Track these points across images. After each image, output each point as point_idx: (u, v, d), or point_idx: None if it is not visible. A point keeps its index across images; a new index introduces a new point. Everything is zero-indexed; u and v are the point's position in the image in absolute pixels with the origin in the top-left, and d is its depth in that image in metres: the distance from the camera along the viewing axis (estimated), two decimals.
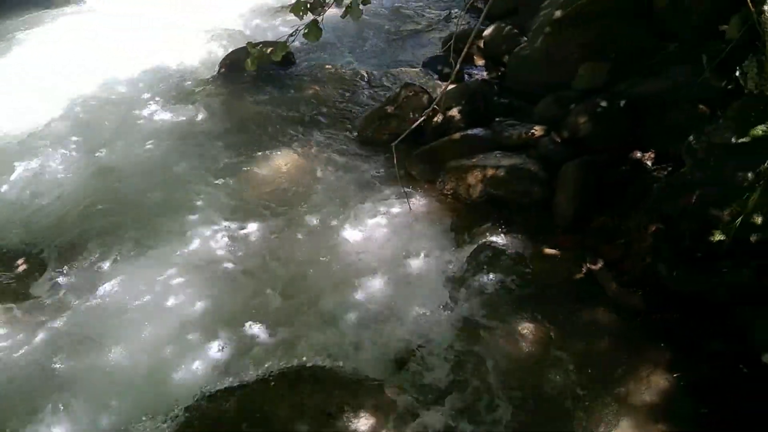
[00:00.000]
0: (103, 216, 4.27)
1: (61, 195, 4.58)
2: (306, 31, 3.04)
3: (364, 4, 2.92)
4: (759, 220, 2.72)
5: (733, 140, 2.81)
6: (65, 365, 3.20)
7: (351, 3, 2.86)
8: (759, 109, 2.80)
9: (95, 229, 4.14)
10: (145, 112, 5.64)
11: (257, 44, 6.08)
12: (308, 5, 3.02)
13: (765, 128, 2.71)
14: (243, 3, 8.18)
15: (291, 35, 3.21)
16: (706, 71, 3.88)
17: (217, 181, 4.59)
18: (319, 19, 3.04)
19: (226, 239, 4.03)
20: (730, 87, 3.66)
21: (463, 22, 7.32)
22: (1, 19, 7.95)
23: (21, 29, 7.66)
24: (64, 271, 3.86)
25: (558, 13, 5.53)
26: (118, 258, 3.91)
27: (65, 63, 6.57)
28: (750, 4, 3.29)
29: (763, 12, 2.93)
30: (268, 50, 3.17)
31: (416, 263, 3.74)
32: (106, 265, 3.87)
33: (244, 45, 6.57)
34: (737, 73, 3.08)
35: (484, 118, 5.09)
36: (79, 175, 4.77)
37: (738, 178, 2.75)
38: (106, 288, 3.68)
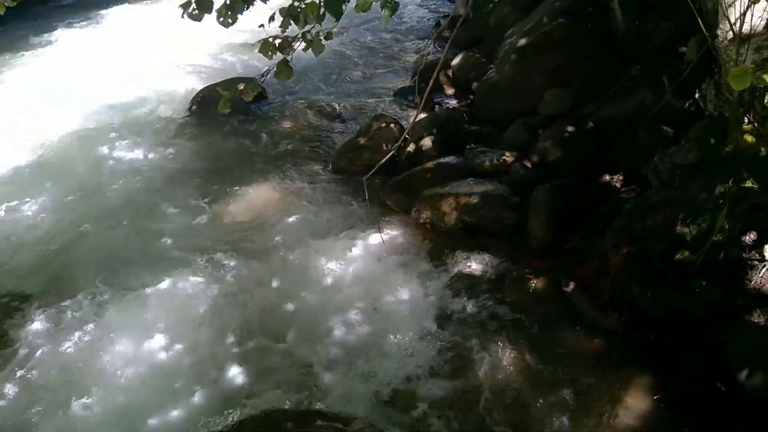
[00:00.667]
0: (72, 260, 4.20)
1: (29, 239, 4.50)
2: (276, 70, 3.08)
3: (327, 40, 2.95)
4: (727, 238, 2.78)
5: (697, 161, 2.88)
6: (36, 417, 3.10)
7: (313, 38, 2.89)
8: (719, 130, 2.88)
9: (62, 274, 4.07)
10: (116, 151, 5.59)
11: (231, 81, 6.12)
12: (276, 45, 3.06)
13: (726, 149, 2.78)
14: (216, 39, 8.22)
15: (262, 75, 3.24)
16: (668, 93, 3.99)
17: (189, 220, 4.55)
18: (289, 58, 3.08)
19: (199, 278, 3.97)
20: (691, 108, 3.77)
21: (430, 52, 7.46)
22: None
23: None
24: (34, 317, 3.76)
25: (522, 41, 5.67)
26: (88, 303, 3.82)
27: (30, 102, 6.52)
28: (703, 29, 3.42)
29: (716, 36, 3.03)
30: (240, 86, 3.19)
31: (394, 295, 3.72)
32: (75, 310, 3.78)
33: (217, 81, 6.65)
34: (697, 96, 3.17)
35: (456, 145, 5.15)
36: (47, 218, 4.69)
37: (703, 198, 2.81)
38: (76, 334, 3.59)
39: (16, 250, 4.43)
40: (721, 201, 2.76)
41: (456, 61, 6.48)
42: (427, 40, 7.97)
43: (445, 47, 7.14)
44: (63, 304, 3.83)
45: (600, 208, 3.85)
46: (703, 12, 3.55)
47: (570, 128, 4.44)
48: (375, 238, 4.16)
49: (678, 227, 2.84)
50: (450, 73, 6.52)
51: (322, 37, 2.88)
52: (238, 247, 4.23)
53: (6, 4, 3.08)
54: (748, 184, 2.78)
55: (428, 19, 9.31)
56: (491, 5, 7.41)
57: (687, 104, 3.71)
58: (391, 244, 4.14)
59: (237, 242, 4.30)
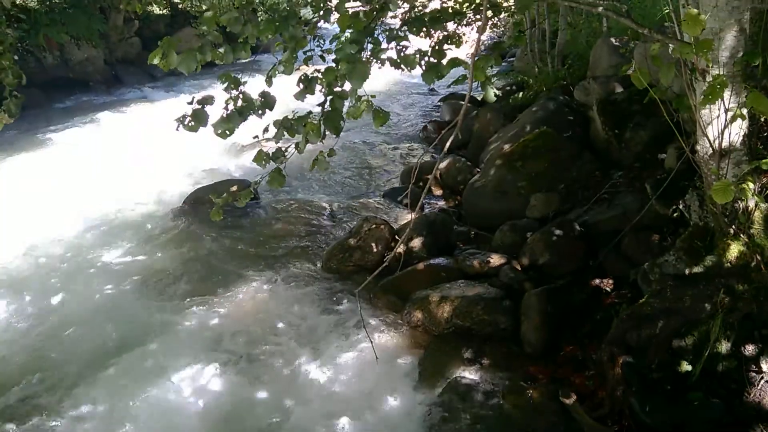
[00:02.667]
0: (53, 366, 4.04)
1: (9, 341, 4.35)
2: (269, 179, 3.15)
3: (330, 156, 3.04)
4: (723, 349, 2.77)
5: (686, 271, 2.92)
6: None
7: (318, 156, 2.98)
8: (706, 240, 2.95)
9: (42, 379, 3.90)
10: (106, 252, 5.56)
11: (223, 183, 6.21)
12: (270, 155, 3.15)
13: (714, 259, 2.83)
14: (208, 140, 8.43)
15: (255, 183, 3.31)
16: (651, 200, 4.11)
17: (177, 324, 4.45)
18: (282, 166, 3.16)
19: (186, 385, 3.83)
20: (676, 215, 3.88)
21: (421, 156, 7.71)
22: None
23: None
24: (14, 425, 3.57)
25: (506, 147, 5.91)
26: (71, 410, 3.65)
27: (23, 201, 6.54)
28: (680, 139, 3.58)
29: (695, 147, 3.16)
30: (233, 188, 3.26)
31: (385, 405, 3.60)
32: (53, 418, 3.60)
33: (209, 182, 6.76)
34: (681, 206, 3.27)
35: (445, 247, 5.22)
36: (30, 321, 4.56)
37: (697, 308, 2.83)
38: None
39: None
40: (715, 312, 2.78)
41: (443, 164, 6.70)
42: (416, 144, 8.26)
43: (433, 149, 7.42)
44: (44, 412, 3.65)
45: (593, 313, 3.85)
46: (679, 121, 3.75)
47: (558, 232, 4.52)
48: (365, 343, 4.08)
49: (675, 338, 2.84)
50: (438, 175, 6.71)
51: (326, 155, 2.97)
52: (225, 354, 4.11)
53: (3, 122, 3.17)
54: (739, 294, 2.81)
55: (414, 123, 9.70)
56: (475, 112, 7.77)
57: (671, 212, 3.81)
58: (381, 349, 4.05)
59: (224, 348, 4.18)
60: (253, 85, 3.04)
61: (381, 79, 9.80)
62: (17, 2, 11.58)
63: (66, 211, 6.28)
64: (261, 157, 3.16)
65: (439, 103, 10.56)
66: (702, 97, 2.38)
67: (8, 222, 6.13)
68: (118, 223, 6.09)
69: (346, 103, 2.89)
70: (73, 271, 5.26)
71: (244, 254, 5.42)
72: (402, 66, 3.00)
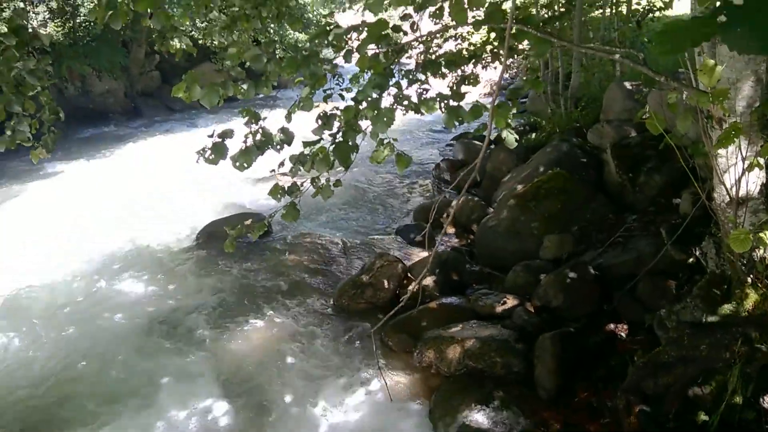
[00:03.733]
0: (64, 400, 4.03)
1: (22, 376, 4.33)
2: (284, 212, 3.19)
3: (336, 186, 3.07)
4: (741, 399, 2.72)
5: (703, 319, 2.89)
6: None
7: (322, 185, 3.01)
8: (723, 288, 2.92)
9: (54, 414, 3.87)
10: (119, 284, 5.58)
11: (238, 216, 6.24)
12: (285, 189, 3.19)
13: (732, 307, 2.80)
14: (223, 173, 8.54)
15: (269, 216, 3.35)
16: (667, 245, 4.09)
17: (188, 358, 4.43)
18: (297, 200, 3.20)
19: (195, 425, 3.78)
20: (691, 261, 3.85)
21: (430, 192, 7.75)
22: None
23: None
24: None
25: (520, 187, 5.93)
26: None
27: (35, 232, 6.61)
28: (696, 185, 3.57)
29: (711, 194, 3.15)
30: (247, 222, 3.28)
31: None
32: None
33: (223, 215, 6.82)
34: (697, 253, 3.25)
35: (458, 286, 5.20)
36: (41, 357, 4.55)
37: (714, 357, 2.78)
38: None
39: (8, 388, 4.25)
40: (732, 361, 2.73)
41: (456, 202, 6.71)
42: (429, 181, 8.30)
43: (445, 188, 7.46)
44: None
45: (608, 358, 3.79)
46: (694, 167, 3.76)
47: (572, 274, 4.49)
48: (376, 382, 4.04)
49: (691, 387, 2.79)
50: (451, 212, 6.72)
51: (331, 184, 3.01)
52: (235, 392, 4.08)
53: (40, 156, 3.25)
54: (757, 344, 2.77)
55: (427, 161, 9.78)
56: (488, 151, 7.83)
57: (687, 258, 3.78)
58: (393, 389, 4.01)
59: (234, 386, 4.15)
60: (272, 119, 3.10)
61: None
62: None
63: (80, 243, 6.34)
64: (276, 191, 3.20)
65: (451, 142, 10.65)
66: (717, 142, 2.39)
67: (22, 253, 6.19)
68: (132, 257, 6.12)
69: (360, 138, 2.93)
70: (85, 305, 5.28)
71: (256, 289, 5.42)
72: (422, 111, 3.04)
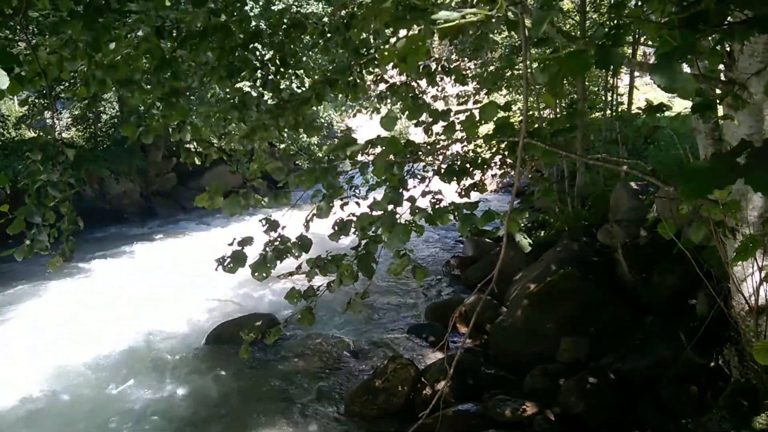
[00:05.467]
0: None
1: None
2: (300, 317, 3.19)
3: (363, 299, 3.09)
4: None
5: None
6: None
7: (351, 300, 3.03)
8: (750, 398, 2.85)
9: None
10: (126, 388, 5.47)
11: (249, 317, 6.21)
12: (301, 293, 3.21)
13: (764, 420, 2.71)
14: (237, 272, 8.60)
15: (285, 321, 3.34)
16: (687, 349, 4.02)
17: None
18: (312, 305, 3.20)
19: None
20: (713, 365, 3.77)
21: (441, 290, 7.73)
22: None
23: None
24: None
25: (532, 287, 5.91)
26: None
27: (46, 333, 6.58)
28: (710, 288, 3.56)
29: (730, 302, 3.14)
30: (257, 323, 3.28)
31: None
32: None
33: (232, 317, 6.79)
34: (720, 361, 3.19)
35: (473, 391, 5.05)
36: None
37: None
38: None
39: None
40: None
41: (469, 300, 6.67)
42: (439, 278, 8.30)
43: (457, 285, 7.45)
44: None
45: None
46: (707, 267, 3.75)
47: (592, 379, 4.38)
48: None
49: None
50: (463, 311, 6.67)
51: (360, 299, 3.03)
52: None
53: (58, 264, 3.31)
54: None
55: (437, 258, 9.82)
56: (498, 248, 7.89)
57: (709, 362, 3.70)
58: None
59: None
60: (287, 218, 3.17)
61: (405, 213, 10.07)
62: (65, 140, 12.48)
63: (88, 344, 6.28)
64: (293, 295, 3.21)
65: (460, 237, 10.75)
66: (735, 254, 2.43)
67: (31, 351, 6.13)
68: (140, 358, 6.04)
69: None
70: (91, 407, 5.15)
71: (265, 395, 5.29)
72: (437, 222, 3.12)
